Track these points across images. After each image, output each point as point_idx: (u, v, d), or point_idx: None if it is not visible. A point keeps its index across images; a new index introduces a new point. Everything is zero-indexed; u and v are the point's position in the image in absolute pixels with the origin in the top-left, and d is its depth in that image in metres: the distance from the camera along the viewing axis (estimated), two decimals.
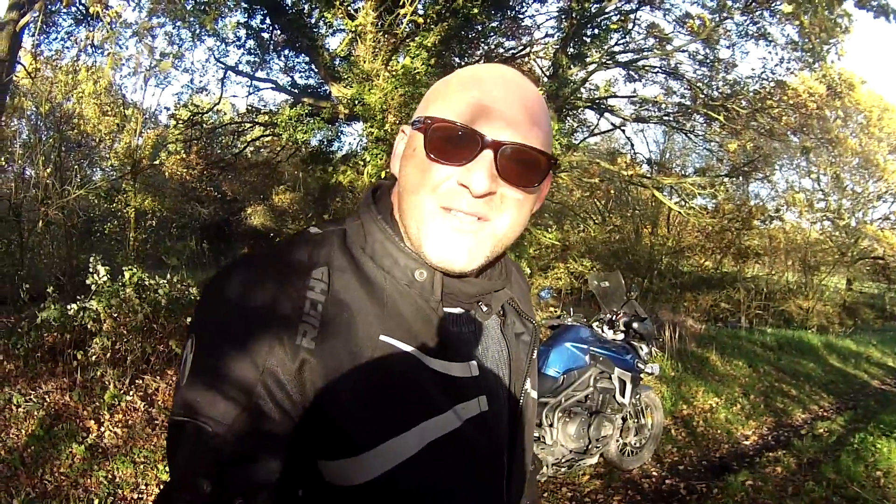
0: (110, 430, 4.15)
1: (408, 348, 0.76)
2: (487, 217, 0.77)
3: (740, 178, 15.38)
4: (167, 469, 0.75)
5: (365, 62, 8.57)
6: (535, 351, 0.96)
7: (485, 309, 0.87)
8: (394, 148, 0.88)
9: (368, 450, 0.72)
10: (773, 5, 10.24)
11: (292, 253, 0.77)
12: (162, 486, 1.22)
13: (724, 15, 10.58)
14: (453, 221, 0.77)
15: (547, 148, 0.79)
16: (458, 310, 0.85)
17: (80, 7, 8.60)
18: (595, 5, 10.31)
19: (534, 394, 0.97)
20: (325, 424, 0.71)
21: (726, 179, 14.60)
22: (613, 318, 4.87)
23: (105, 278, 4.85)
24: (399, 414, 0.74)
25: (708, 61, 12.37)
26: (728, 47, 12.02)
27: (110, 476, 3.73)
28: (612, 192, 18.01)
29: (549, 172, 0.81)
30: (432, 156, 0.76)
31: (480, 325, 0.87)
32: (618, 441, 4.72)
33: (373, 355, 0.73)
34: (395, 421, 0.73)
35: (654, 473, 4.97)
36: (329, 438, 0.72)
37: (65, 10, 9.09)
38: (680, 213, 14.37)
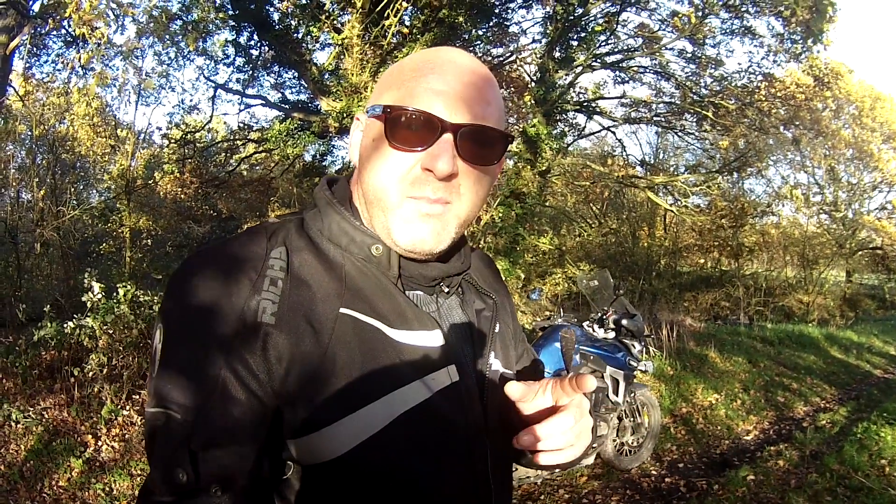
0: (108, 445, 4.19)
1: (369, 320, 0.76)
2: (450, 200, 0.78)
3: (733, 174, 15.38)
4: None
5: (353, 75, 8.64)
6: (497, 325, 0.95)
7: (446, 290, 0.89)
8: (350, 136, 0.89)
9: (333, 423, 0.71)
10: None
11: (251, 238, 0.78)
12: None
13: (708, 11, 10.60)
14: (421, 207, 0.77)
15: (501, 126, 0.81)
16: (419, 292, 0.86)
17: (69, 30, 8.68)
18: (579, 8, 10.33)
19: (508, 373, 0.94)
20: (290, 401, 0.71)
21: (718, 176, 14.60)
22: (603, 316, 4.78)
23: (100, 295, 4.90)
24: (363, 385, 0.73)
25: (695, 58, 12.38)
26: (713, 46, 12.06)
27: (108, 489, 3.77)
28: (607, 194, 18.06)
29: (505, 149, 0.83)
30: (394, 143, 0.77)
31: (441, 304, 0.88)
32: (614, 440, 4.65)
33: (334, 328, 0.74)
34: (359, 392, 0.73)
35: (654, 472, 4.90)
36: (294, 415, 0.71)
37: (54, 34, 9.19)
38: (673, 212, 14.39)
